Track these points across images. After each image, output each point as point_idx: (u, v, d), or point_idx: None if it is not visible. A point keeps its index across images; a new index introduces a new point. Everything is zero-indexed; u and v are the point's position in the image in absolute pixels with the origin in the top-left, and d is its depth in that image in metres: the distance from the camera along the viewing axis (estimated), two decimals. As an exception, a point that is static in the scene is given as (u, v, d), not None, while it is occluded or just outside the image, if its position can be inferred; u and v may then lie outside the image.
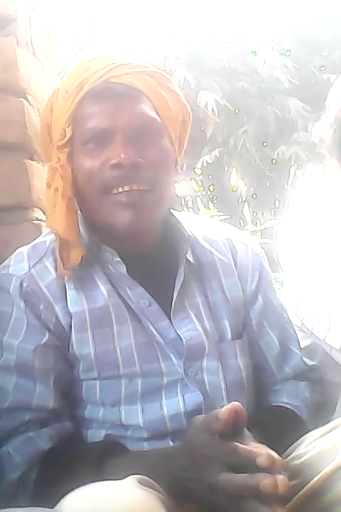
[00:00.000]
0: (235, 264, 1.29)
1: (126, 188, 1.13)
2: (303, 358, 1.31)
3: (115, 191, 1.13)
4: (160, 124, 1.18)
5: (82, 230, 1.19)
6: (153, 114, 1.17)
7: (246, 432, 0.94)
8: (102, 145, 1.14)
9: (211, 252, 1.27)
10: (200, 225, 1.32)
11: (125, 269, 1.17)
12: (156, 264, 1.21)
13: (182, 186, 4.94)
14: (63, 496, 0.86)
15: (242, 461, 0.88)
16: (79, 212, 1.20)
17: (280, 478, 0.84)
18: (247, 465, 0.87)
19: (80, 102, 1.16)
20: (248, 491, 0.85)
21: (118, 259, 1.18)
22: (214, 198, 5.10)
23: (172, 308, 1.19)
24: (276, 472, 0.85)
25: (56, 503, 0.86)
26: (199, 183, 5.13)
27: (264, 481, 0.84)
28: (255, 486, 0.84)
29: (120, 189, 1.13)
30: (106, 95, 1.15)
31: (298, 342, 1.32)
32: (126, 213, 1.13)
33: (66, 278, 1.17)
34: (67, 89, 1.18)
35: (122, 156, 1.11)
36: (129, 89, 1.16)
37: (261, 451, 0.87)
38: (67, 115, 1.16)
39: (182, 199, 5.00)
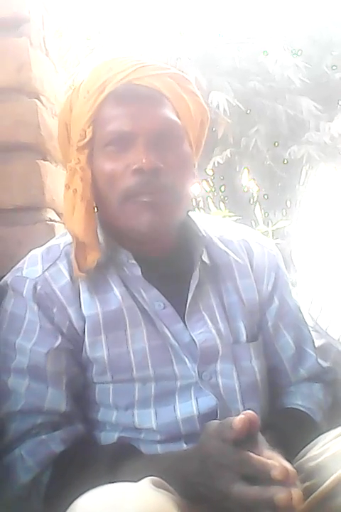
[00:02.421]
0: (251, 266, 1.27)
1: (147, 196, 1.11)
2: (318, 360, 1.30)
3: (135, 197, 1.12)
4: (182, 127, 1.17)
5: (98, 231, 1.18)
6: (175, 118, 1.17)
7: (260, 437, 0.94)
8: (124, 148, 1.13)
9: (226, 253, 1.26)
10: (216, 226, 1.31)
11: (140, 272, 1.17)
12: (171, 266, 1.20)
13: (194, 187, 4.92)
14: (76, 499, 0.86)
15: (256, 472, 0.88)
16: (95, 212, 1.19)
17: (295, 491, 0.84)
18: (261, 476, 0.87)
19: (102, 104, 1.15)
20: (262, 503, 0.85)
21: (134, 261, 1.17)
22: (226, 198, 5.09)
23: (187, 310, 1.18)
24: (290, 484, 0.85)
25: (69, 506, 0.86)
26: (211, 183, 5.12)
27: (279, 494, 0.84)
28: (269, 499, 0.84)
29: (140, 196, 1.11)
30: (128, 97, 1.14)
31: (313, 343, 1.31)
32: (146, 215, 1.12)
33: (80, 281, 1.16)
34: (88, 89, 1.17)
35: (144, 161, 1.10)
36: (151, 91, 1.16)
37: (275, 464, 0.87)
38: (88, 116, 1.15)
39: (194, 199, 4.99)
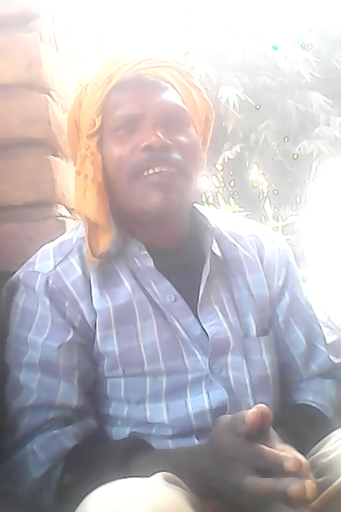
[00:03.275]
0: (261, 261, 1.27)
1: (157, 170, 1.12)
2: (330, 356, 1.29)
3: (146, 173, 1.13)
4: (188, 113, 1.19)
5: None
6: (182, 104, 1.18)
7: (272, 431, 0.94)
8: (132, 131, 1.14)
9: (236, 247, 1.26)
10: (226, 220, 1.31)
11: (152, 263, 1.17)
12: (182, 258, 1.20)
13: (203, 182, 4.92)
14: (88, 494, 0.86)
15: (269, 464, 0.87)
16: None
17: (308, 482, 0.83)
18: (273, 468, 0.87)
19: (110, 92, 1.17)
20: (275, 495, 0.85)
21: (146, 252, 1.17)
22: (235, 193, 5.08)
23: (199, 302, 1.17)
24: (303, 476, 0.85)
25: (81, 501, 0.86)
26: (220, 178, 5.11)
27: (292, 486, 0.83)
28: (282, 491, 0.84)
29: (151, 171, 1.12)
30: (135, 84, 1.17)
31: (325, 339, 1.30)
32: (157, 195, 1.12)
33: (91, 275, 1.16)
34: (96, 82, 1.19)
35: (153, 138, 1.11)
36: (158, 79, 1.18)
37: (288, 455, 0.87)
38: (97, 106, 1.17)
39: (203, 195, 4.98)
